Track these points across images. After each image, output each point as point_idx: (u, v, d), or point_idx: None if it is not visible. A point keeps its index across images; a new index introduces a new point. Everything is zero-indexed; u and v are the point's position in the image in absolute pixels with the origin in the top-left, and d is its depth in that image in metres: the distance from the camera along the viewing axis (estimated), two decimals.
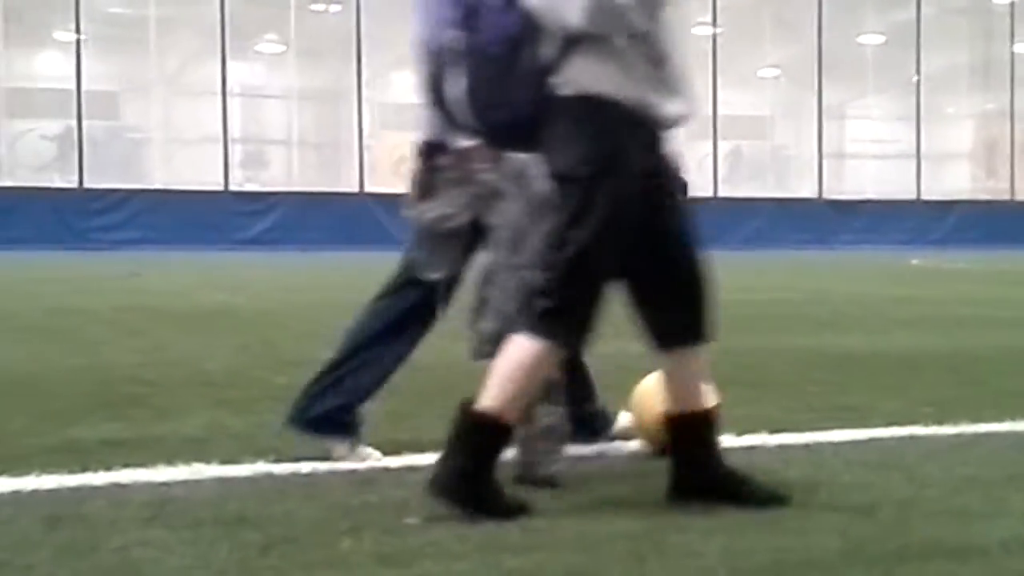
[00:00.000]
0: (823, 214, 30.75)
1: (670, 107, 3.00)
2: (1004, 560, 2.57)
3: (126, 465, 3.44)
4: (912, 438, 4.01)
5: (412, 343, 3.65)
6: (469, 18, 3.03)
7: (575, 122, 2.96)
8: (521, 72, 2.97)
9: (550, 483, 3.26)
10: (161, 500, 3.05)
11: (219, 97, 27.82)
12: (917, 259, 21.94)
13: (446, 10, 3.12)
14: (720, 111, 29.96)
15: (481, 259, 3.47)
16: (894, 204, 31.78)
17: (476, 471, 2.92)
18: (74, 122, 26.96)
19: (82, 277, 14.91)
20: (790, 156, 33.79)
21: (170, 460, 3.51)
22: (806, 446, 3.86)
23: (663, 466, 3.18)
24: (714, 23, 30.29)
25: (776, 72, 33.25)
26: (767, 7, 32.32)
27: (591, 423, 3.77)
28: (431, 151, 3.52)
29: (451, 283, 3.53)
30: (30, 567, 2.47)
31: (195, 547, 2.62)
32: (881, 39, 33.68)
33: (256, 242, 26.25)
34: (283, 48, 30.36)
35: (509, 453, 3.19)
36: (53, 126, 28.22)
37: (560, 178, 3.00)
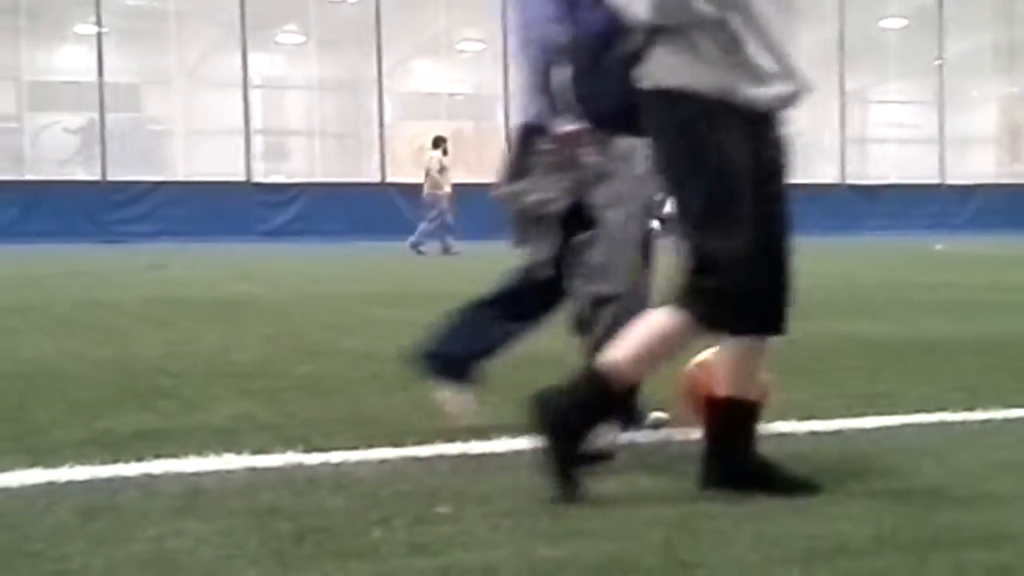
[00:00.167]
0: (846, 199, 30.62)
1: (764, 90, 2.93)
2: None
3: (157, 456, 3.46)
4: (942, 424, 4.00)
5: (536, 319, 3.82)
6: (571, 13, 3.30)
7: (657, 116, 2.98)
8: (611, 65, 3.03)
9: (601, 456, 3.27)
10: (193, 491, 3.06)
11: (240, 89, 27.90)
12: (941, 244, 21.82)
13: (550, 6, 3.45)
14: None
15: (583, 238, 3.61)
16: (917, 189, 31.62)
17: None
18: (96, 115, 27.10)
19: (107, 270, 14.98)
20: (813, 141, 33.65)
21: (200, 451, 3.52)
22: (836, 433, 3.85)
23: (695, 454, 3.17)
24: None
25: (798, 57, 33.01)
26: None
27: (629, 413, 3.78)
28: (529, 134, 3.65)
29: (557, 263, 3.66)
30: (65, 557, 2.49)
31: (228, 537, 2.63)
32: (903, 23, 33.48)
33: (278, 233, 26.34)
34: (303, 39, 30.39)
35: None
36: (75, 119, 28.38)
37: (659, 171, 3.07)
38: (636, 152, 3.49)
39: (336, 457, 3.46)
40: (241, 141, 27.90)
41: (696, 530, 2.66)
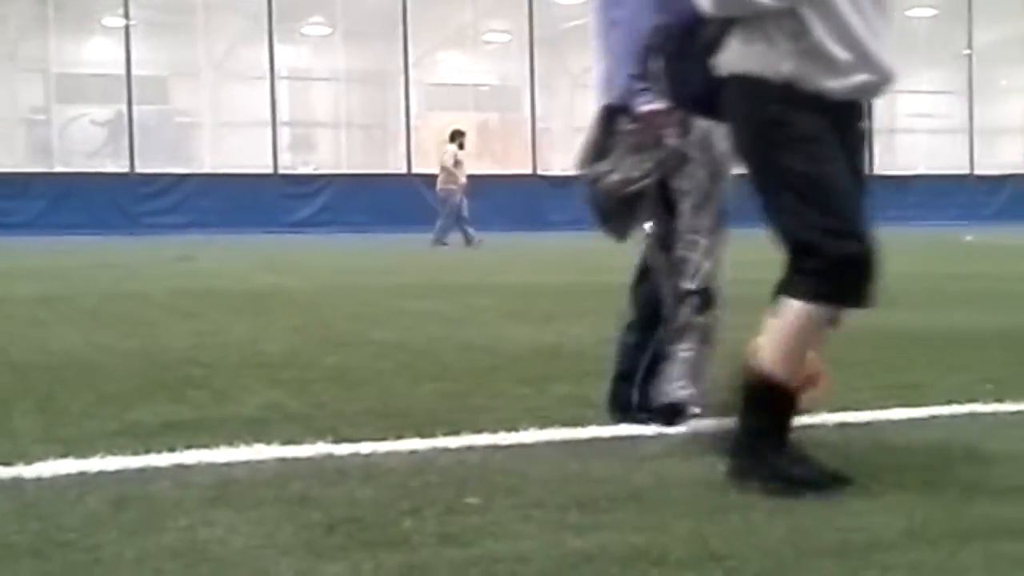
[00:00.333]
0: (875, 190, 30.30)
1: (838, 80, 2.96)
2: None
3: (188, 446, 3.47)
4: (973, 415, 3.97)
5: None
6: (666, 3, 3.37)
7: (733, 103, 3.04)
8: (694, 53, 3.10)
9: (671, 411, 3.25)
10: (224, 481, 3.07)
11: (267, 80, 27.98)
12: (971, 235, 21.66)
13: None
14: None
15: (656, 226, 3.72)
16: (946, 179, 31.40)
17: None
18: (124, 107, 27.22)
19: (135, 262, 15.06)
20: None
21: (231, 441, 3.54)
22: (866, 424, 3.83)
23: (725, 446, 3.15)
24: None
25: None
26: None
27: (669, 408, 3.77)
28: (612, 115, 3.70)
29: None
30: (97, 547, 2.50)
31: (260, 527, 2.64)
32: (932, 12, 33.19)
33: (305, 224, 26.41)
34: (329, 30, 30.43)
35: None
36: (103, 112, 28.52)
37: (739, 157, 3.12)
38: (712, 137, 3.58)
39: (366, 448, 3.47)
40: (268, 133, 27.98)
41: (726, 522, 2.65)
